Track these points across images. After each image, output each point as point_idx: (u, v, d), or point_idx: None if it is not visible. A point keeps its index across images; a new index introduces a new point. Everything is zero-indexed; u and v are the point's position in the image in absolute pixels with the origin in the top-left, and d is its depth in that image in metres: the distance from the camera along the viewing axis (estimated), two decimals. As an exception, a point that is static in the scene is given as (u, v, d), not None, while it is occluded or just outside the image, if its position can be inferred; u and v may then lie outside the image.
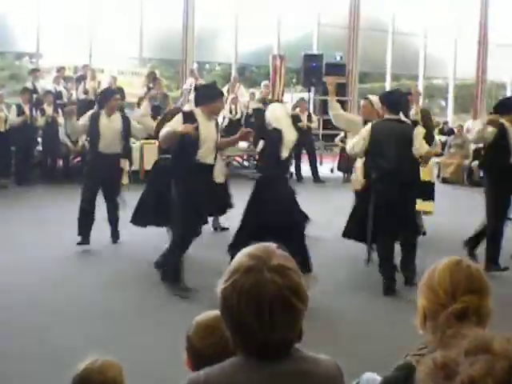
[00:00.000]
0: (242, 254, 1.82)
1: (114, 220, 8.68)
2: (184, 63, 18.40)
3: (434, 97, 24.11)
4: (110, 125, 8.34)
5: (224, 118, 15.19)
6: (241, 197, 11.67)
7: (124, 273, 7.37)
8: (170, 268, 6.71)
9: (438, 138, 9.59)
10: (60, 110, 13.52)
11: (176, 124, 6.48)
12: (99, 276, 7.25)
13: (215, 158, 6.81)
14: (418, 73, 22.32)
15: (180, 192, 6.58)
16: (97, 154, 8.37)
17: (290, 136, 6.78)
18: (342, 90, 18.26)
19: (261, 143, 6.88)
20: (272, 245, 1.86)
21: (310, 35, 20.48)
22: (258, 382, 1.77)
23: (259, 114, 6.99)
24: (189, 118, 6.55)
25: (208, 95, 6.76)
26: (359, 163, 7.61)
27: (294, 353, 1.83)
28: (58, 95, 14.40)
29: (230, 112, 15.74)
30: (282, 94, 18.02)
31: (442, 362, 1.13)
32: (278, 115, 6.84)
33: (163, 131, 6.55)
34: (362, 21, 20.79)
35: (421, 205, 8.51)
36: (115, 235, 8.70)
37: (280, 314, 1.72)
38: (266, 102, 14.69)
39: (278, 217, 6.39)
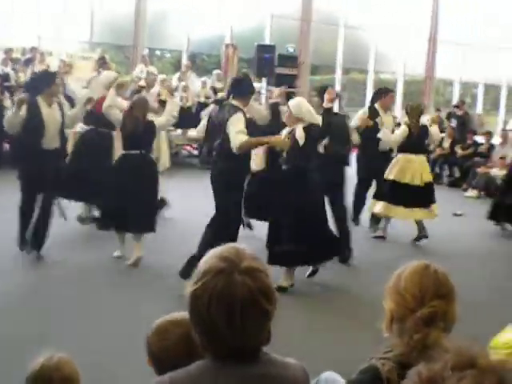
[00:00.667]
0: (212, 256, 1.79)
1: (43, 228, 7.13)
2: (134, 49, 18.17)
3: (383, 91, 24.38)
4: (52, 115, 7.08)
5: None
6: (190, 185, 11.64)
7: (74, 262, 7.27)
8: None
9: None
10: (7, 93, 13.19)
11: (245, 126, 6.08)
12: (51, 263, 7.15)
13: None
14: (368, 67, 22.48)
15: (237, 198, 6.32)
16: (38, 150, 6.95)
17: None
18: (293, 81, 18.31)
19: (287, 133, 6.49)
20: (242, 246, 1.84)
21: (263, 26, 20.43)
22: (225, 386, 1.75)
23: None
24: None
25: (248, 89, 6.42)
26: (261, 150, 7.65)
27: (262, 356, 1.81)
28: (6, 77, 14.05)
29: (181, 100, 15.59)
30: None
31: (428, 377, 1.13)
32: (311, 109, 6.52)
33: (246, 142, 6.00)
34: (315, 13, 20.82)
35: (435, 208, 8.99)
36: (40, 246, 7.14)
37: (250, 317, 1.70)
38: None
39: (318, 207, 6.32)
